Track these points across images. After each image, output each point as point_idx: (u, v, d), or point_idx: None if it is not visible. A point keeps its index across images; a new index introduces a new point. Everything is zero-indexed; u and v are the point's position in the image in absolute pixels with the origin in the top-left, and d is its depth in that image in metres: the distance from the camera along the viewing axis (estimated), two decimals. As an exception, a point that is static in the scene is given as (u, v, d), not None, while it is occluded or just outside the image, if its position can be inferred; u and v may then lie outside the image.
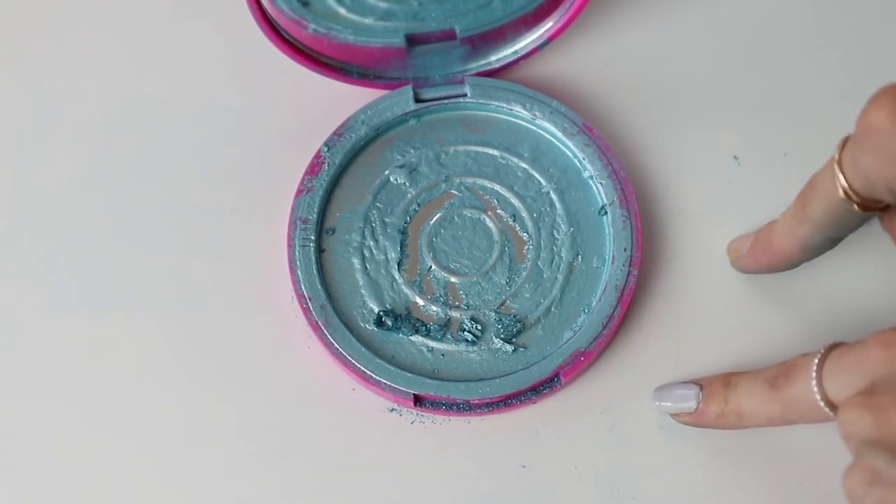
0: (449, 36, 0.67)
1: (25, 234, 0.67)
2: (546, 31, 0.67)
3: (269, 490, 0.63)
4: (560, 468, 0.63)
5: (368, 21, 0.67)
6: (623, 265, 0.64)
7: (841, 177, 0.56)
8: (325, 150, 0.66)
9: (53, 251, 0.67)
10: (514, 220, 0.66)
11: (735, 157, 0.68)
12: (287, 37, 0.67)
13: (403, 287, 0.65)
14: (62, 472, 0.63)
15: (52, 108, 0.70)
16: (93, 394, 0.64)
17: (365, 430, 0.63)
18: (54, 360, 0.65)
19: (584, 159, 0.66)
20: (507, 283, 0.65)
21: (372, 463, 0.63)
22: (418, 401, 0.63)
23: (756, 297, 0.65)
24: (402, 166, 0.67)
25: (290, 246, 0.65)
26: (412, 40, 0.67)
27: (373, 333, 0.64)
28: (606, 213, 0.65)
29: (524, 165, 0.67)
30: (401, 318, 0.64)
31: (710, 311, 0.65)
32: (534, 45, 0.68)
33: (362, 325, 0.64)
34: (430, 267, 0.65)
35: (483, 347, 0.64)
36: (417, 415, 0.63)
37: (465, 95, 0.67)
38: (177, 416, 0.64)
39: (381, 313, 0.64)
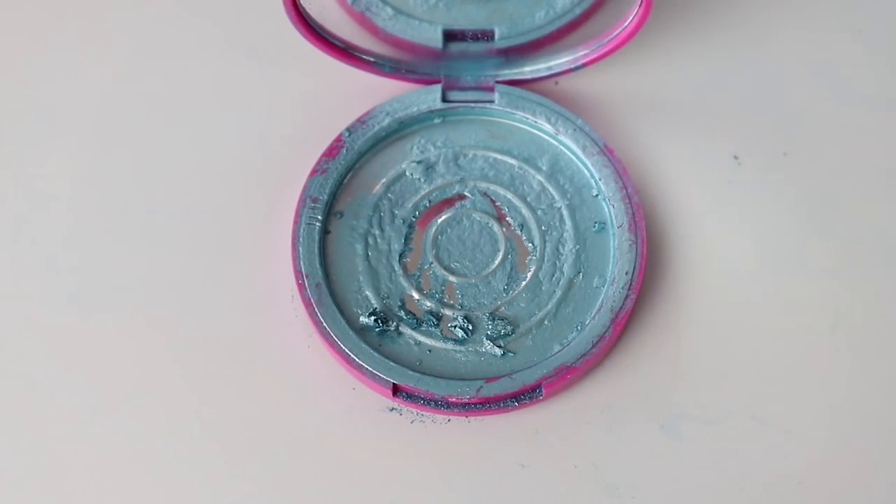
0: (486, 35, 0.67)
1: (25, 234, 0.67)
2: (582, 55, 0.67)
3: (268, 490, 0.63)
4: (560, 468, 0.63)
5: (410, 11, 0.69)
6: (622, 287, 0.64)
7: None
8: (346, 134, 0.67)
9: (53, 250, 0.67)
10: (521, 230, 0.66)
11: (737, 164, 0.68)
12: (319, 30, 0.67)
13: (401, 279, 0.65)
14: (60, 471, 0.63)
15: (59, 107, 0.70)
16: (91, 392, 0.64)
17: (365, 430, 0.64)
18: (53, 358, 0.65)
19: (600, 180, 0.66)
20: (504, 289, 0.65)
21: (372, 462, 0.63)
22: (397, 391, 0.63)
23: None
24: (419, 162, 0.67)
25: (297, 223, 0.65)
26: (449, 35, 0.67)
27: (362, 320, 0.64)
28: (604, 229, 0.65)
29: (540, 178, 0.67)
30: (387, 322, 0.64)
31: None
32: (567, 67, 0.68)
33: (354, 309, 0.64)
34: (431, 263, 0.65)
35: (471, 349, 0.64)
36: (418, 414, 0.64)
37: (493, 102, 0.68)
38: (174, 414, 0.64)
39: (370, 314, 0.64)
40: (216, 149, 0.69)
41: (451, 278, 0.65)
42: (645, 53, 0.70)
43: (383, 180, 0.67)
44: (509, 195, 0.67)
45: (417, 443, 0.63)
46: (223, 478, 0.63)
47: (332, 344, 0.63)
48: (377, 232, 0.66)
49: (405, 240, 0.66)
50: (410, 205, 0.67)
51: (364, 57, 0.68)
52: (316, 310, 0.63)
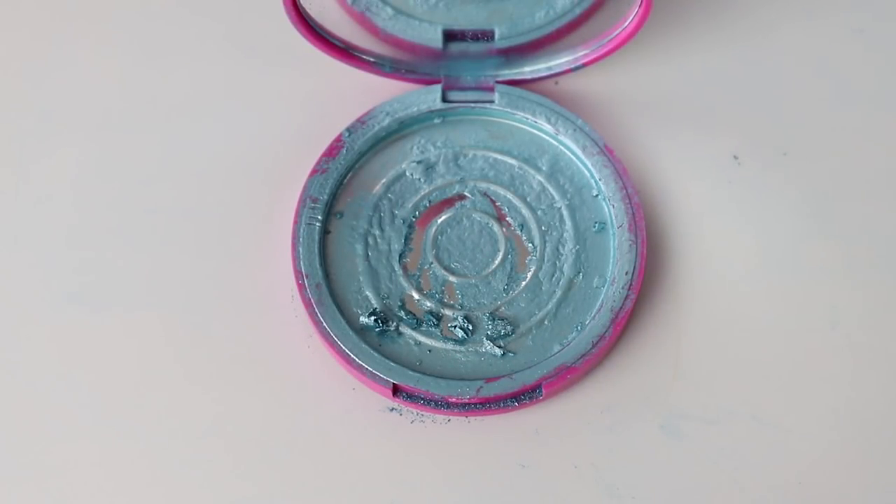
0: (486, 35, 0.67)
1: (25, 233, 0.67)
2: (582, 55, 0.67)
3: (268, 490, 0.63)
4: (560, 468, 0.63)
5: (410, 11, 0.69)
6: (622, 288, 0.64)
7: None
8: (346, 134, 0.67)
9: (54, 249, 0.67)
10: (521, 230, 0.66)
11: (737, 164, 0.68)
12: (319, 30, 0.67)
13: (401, 279, 0.65)
14: (59, 471, 0.63)
15: (59, 107, 0.70)
16: (91, 392, 0.64)
17: (365, 430, 0.64)
18: (52, 357, 0.65)
19: (600, 180, 0.66)
20: (504, 289, 0.65)
21: (372, 462, 0.63)
22: (397, 391, 0.63)
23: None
24: (419, 162, 0.67)
25: (297, 223, 0.65)
26: (449, 35, 0.68)
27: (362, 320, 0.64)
28: (604, 229, 0.66)
29: (540, 178, 0.67)
30: (387, 322, 0.64)
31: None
32: (568, 67, 0.68)
33: (354, 309, 0.64)
34: (431, 263, 0.65)
35: (470, 349, 0.64)
36: (418, 414, 0.64)
37: (493, 102, 0.68)
38: (174, 414, 0.64)
39: (370, 314, 0.64)
40: (216, 149, 0.69)
41: (451, 278, 0.65)
42: (645, 53, 0.70)
43: (383, 180, 0.67)
44: (509, 195, 0.67)
45: (417, 443, 0.63)
46: (223, 477, 0.63)
47: (332, 344, 0.63)
48: (377, 232, 0.66)
49: (405, 240, 0.66)
50: (410, 205, 0.67)
51: (364, 57, 0.68)
52: (316, 310, 0.63)
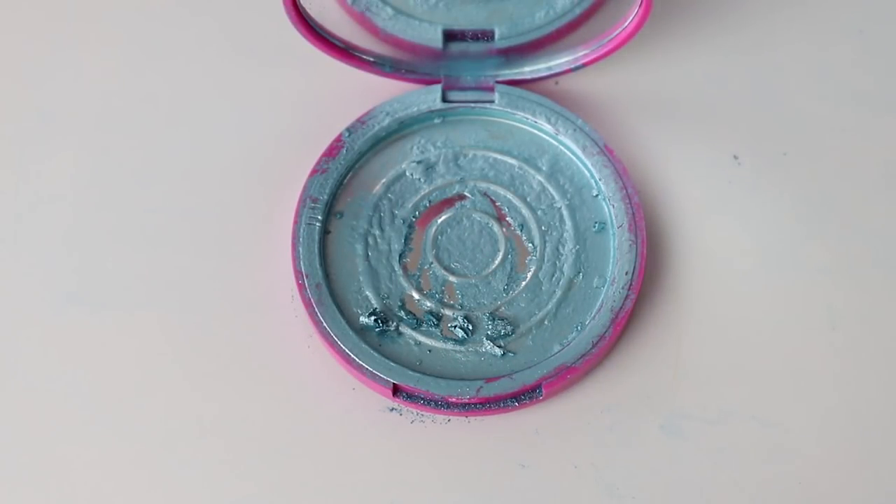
0: (486, 35, 0.67)
1: (25, 232, 0.67)
2: (582, 55, 0.68)
3: (268, 490, 0.63)
4: (560, 468, 0.63)
5: (410, 11, 0.69)
6: (622, 288, 0.64)
7: None
8: (346, 134, 0.67)
9: (54, 249, 0.67)
10: (521, 230, 0.66)
11: (737, 164, 0.68)
12: (319, 30, 0.67)
13: (401, 279, 0.65)
14: (59, 471, 0.63)
15: (59, 107, 0.70)
16: (91, 392, 0.64)
17: (365, 430, 0.64)
18: (52, 357, 0.65)
19: (600, 180, 0.66)
20: (504, 289, 0.65)
21: (372, 462, 0.63)
22: (397, 391, 0.63)
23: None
24: (419, 162, 0.67)
25: (297, 223, 0.65)
26: (449, 35, 0.68)
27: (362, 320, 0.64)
28: (604, 229, 0.66)
29: (540, 178, 0.67)
30: (387, 322, 0.64)
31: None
32: (567, 67, 0.68)
33: (354, 309, 0.64)
34: (431, 263, 0.66)
35: (470, 349, 0.64)
36: (418, 414, 0.64)
37: (493, 102, 0.68)
38: (174, 414, 0.64)
39: (370, 314, 0.64)
40: (216, 149, 0.69)
41: (451, 278, 0.65)
42: (645, 53, 0.70)
43: (383, 180, 0.67)
44: (509, 195, 0.67)
45: (417, 443, 0.64)
46: (223, 478, 0.63)
47: (332, 344, 0.63)
48: (377, 232, 0.66)
49: (405, 240, 0.66)
50: (410, 205, 0.67)
51: (364, 57, 0.68)
52: (316, 310, 0.64)
